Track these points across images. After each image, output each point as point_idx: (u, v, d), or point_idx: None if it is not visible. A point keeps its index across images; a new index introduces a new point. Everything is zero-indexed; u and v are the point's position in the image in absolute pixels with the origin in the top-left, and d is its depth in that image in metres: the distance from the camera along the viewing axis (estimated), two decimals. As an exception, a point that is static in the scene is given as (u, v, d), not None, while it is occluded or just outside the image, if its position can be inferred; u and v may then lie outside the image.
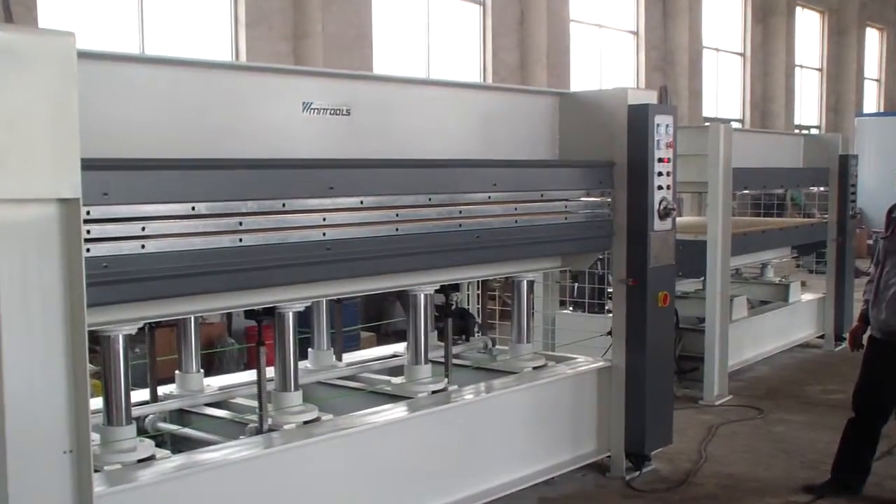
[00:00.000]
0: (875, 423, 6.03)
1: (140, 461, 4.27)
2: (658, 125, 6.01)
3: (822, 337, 10.93)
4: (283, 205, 4.38)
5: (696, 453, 6.87)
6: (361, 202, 4.71)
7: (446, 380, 5.76)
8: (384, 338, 10.18)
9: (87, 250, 3.55)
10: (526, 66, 15.99)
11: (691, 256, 8.28)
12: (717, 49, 21.97)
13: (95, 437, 4.17)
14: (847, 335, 6.49)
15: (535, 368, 6.28)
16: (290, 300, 4.83)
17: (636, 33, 19.26)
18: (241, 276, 4.26)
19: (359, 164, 4.87)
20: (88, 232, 3.59)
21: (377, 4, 14.14)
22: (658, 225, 6.10)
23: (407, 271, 5.23)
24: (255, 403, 5.01)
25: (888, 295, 5.78)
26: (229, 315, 8.61)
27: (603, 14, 18.51)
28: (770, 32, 23.11)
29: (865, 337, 6.12)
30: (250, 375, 5.57)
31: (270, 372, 5.10)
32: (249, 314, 4.81)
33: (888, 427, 6.03)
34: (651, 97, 6.23)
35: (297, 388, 5.07)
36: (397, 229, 4.90)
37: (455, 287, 6.03)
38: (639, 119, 5.98)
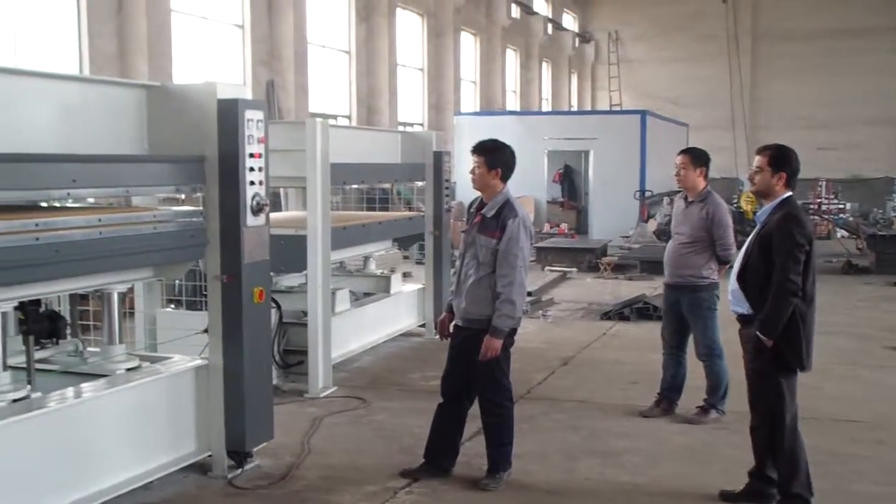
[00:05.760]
0: (462, 406, 6.38)
1: None
2: (249, 120, 5.99)
3: (423, 325, 11.38)
4: None
5: (299, 446, 6.93)
6: None
7: (29, 387, 5.42)
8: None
9: None
10: (126, 55, 15.20)
11: (293, 251, 8.37)
12: (323, 46, 22.29)
13: None
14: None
15: (128, 370, 6.06)
16: None
17: (242, 27, 19.10)
18: None
19: None
20: None
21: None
22: (251, 220, 6.08)
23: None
24: None
25: (467, 286, 6.14)
26: None
27: (208, 6, 18.17)
28: (373, 31, 23.75)
29: (452, 325, 6.44)
30: None
31: None
32: None
33: (475, 409, 6.37)
34: (242, 91, 6.19)
35: None
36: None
37: (36, 301, 5.68)
38: (229, 114, 5.93)
